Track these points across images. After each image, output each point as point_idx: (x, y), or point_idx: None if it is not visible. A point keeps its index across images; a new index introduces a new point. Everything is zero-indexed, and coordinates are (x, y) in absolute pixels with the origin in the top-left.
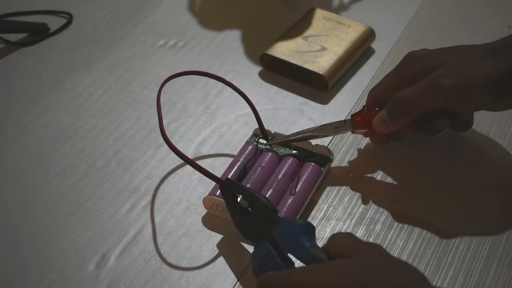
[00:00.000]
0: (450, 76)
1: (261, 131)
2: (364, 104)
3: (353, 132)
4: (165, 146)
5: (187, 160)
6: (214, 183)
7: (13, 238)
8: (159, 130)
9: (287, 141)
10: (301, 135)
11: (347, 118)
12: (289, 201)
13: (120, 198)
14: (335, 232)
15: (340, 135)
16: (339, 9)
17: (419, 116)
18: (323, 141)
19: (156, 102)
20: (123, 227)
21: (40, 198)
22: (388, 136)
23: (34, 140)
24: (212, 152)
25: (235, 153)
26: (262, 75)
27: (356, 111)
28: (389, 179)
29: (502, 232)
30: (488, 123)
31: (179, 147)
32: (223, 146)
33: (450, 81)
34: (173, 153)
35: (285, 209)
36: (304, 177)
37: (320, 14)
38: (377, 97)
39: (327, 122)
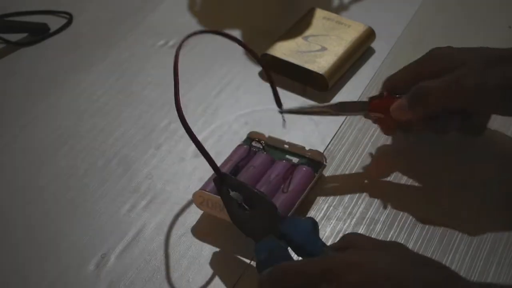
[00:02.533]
0: (474, 77)
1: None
2: (380, 89)
3: (365, 116)
4: (165, 146)
5: (196, 143)
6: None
7: (13, 238)
8: (159, 130)
9: (301, 112)
10: (316, 109)
11: (364, 100)
12: (282, 198)
13: (120, 198)
14: (335, 232)
15: (341, 134)
16: (339, 9)
17: (435, 113)
18: (319, 147)
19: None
20: (123, 227)
21: (40, 198)
22: (396, 126)
23: (34, 140)
24: (212, 152)
25: None
26: (262, 75)
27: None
28: (389, 179)
29: (502, 232)
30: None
31: (179, 147)
32: (223, 146)
33: (473, 81)
34: (173, 153)
35: (277, 205)
36: (297, 179)
37: (320, 14)
38: (395, 86)
39: (344, 101)
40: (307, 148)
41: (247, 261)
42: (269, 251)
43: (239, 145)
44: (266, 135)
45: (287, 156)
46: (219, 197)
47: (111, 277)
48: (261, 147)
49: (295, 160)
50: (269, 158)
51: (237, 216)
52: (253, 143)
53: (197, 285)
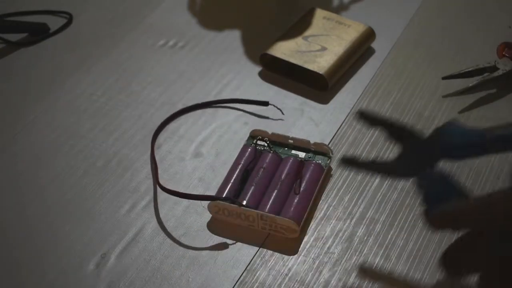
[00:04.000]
0: None
1: None
2: None
3: None
4: (165, 146)
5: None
6: (215, 185)
7: (13, 238)
8: (159, 130)
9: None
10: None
11: None
12: (295, 200)
13: (120, 198)
14: (335, 232)
15: (341, 134)
16: (339, 9)
17: None
18: (322, 139)
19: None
20: (123, 227)
21: (40, 198)
22: None
23: (34, 140)
24: (212, 152)
25: (236, 153)
26: (262, 75)
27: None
28: (389, 178)
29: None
30: None
31: (179, 147)
32: (223, 146)
33: None
34: (173, 153)
35: (292, 208)
36: (307, 176)
37: (320, 14)
38: None
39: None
40: (312, 142)
41: (247, 262)
42: (433, 184)
43: (244, 146)
44: (269, 132)
45: (293, 152)
46: (234, 205)
47: (111, 277)
48: (266, 145)
49: (301, 155)
50: (276, 156)
51: (388, 168)
52: (258, 142)
53: (197, 285)
